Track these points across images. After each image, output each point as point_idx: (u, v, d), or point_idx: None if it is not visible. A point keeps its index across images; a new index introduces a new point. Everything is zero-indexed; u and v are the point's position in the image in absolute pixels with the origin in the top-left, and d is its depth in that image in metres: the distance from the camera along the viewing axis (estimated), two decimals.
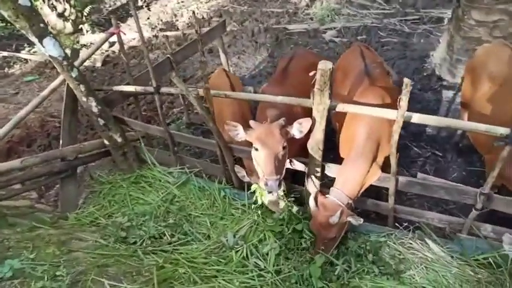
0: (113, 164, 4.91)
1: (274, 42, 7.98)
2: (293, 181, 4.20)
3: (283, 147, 3.12)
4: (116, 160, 4.75)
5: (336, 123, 3.79)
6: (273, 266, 3.36)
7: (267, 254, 3.42)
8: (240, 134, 3.23)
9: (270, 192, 3.18)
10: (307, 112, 3.72)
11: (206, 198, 4.21)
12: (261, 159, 3.14)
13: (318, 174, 3.43)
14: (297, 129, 3.12)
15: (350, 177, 3.18)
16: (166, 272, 3.23)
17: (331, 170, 3.46)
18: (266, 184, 3.06)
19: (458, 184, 3.24)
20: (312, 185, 3.46)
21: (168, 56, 5.03)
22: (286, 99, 3.25)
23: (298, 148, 3.62)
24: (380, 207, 3.56)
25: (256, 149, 3.16)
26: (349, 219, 3.10)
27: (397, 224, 3.56)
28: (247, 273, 3.35)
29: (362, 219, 3.05)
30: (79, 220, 4.18)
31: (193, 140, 4.34)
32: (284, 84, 3.82)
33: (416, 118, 2.76)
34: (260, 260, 3.43)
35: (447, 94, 5.49)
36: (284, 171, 3.14)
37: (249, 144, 3.68)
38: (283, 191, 3.33)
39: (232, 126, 3.21)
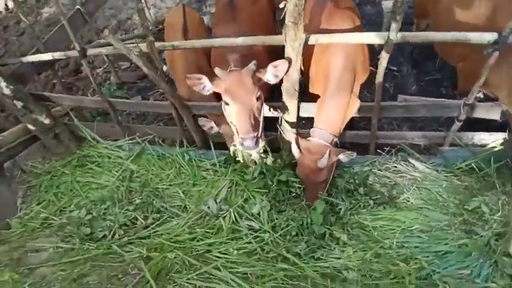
0: (45, 149, 4.15)
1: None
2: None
3: (258, 98, 2.72)
4: (47, 145, 4.01)
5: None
6: (268, 223, 3.13)
7: (258, 214, 3.15)
8: (206, 86, 2.76)
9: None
10: (270, 50, 3.33)
11: (170, 167, 3.75)
12: (234, 115, 2.73)
13: (294, 118, 3.12)
14: (272, 74, 2.72)
15: (331, 113, 2.90)
16: (156, 262, 2.85)
17: (305, 109, 3.16)
18: (242, 144, 2.70)
19: (440, 99, 3.12)
20: (289, 131, 3.15)
21: (78, 7, 4.13)
22: (250, 40, 2.77)
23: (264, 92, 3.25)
24: (360, 136, 3.39)
25: (227, 103, 2.73)
26: (340, 157, 2.88)
27: (378, 151, 3.45)
28: (242, 238, 3.09)
29: (355, 153, 2.84)
30: (25, 225, 3.52)
31: (141, 105, 3.72)
32: (235, 22, 3.28)
33: (411, 36, 2.50)
34: (253, 220, 3.17)
35: (387, 5, 5.28)
36: (262, 125, 2.78)
37: (211, 98, 3.22)
38: (264, 147, 2.98)
39: (196, 79, 2.71)
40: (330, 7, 3.02)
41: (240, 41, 2.79)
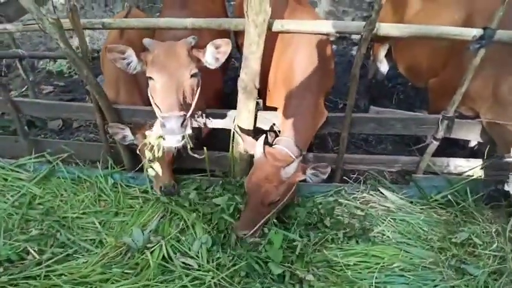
0: None
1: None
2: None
3: (193, 75, 2.16)
4: None
5: None
6: (211, 261, 2.38)
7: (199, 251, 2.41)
8: (132, 62, 2.19)
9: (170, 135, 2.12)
10: None
11: (87, 191, 2.92)
12: (158, 91, 2.13)
13: (251, 125, 2.56)
14: (212, 55, 2.22)
15: (298, 119, 2.40)
16: None
17: (263, 119, 2.64)
18: (164, 125, 2.06)
19: (417, 113, 2.77)
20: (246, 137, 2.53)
21: None
22: (203, 22, 2.28)
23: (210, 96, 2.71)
24: (325, 159, 2.87)
25: (152, 78, 2.15)
26: (308, 174, 2.32)
27: (344, 178, 2.96)
28: (174, 281, 2.29)
29: (329, 167, 2.29)
30: None
31: (57, 107, 2.92)
32: (187, 8, 2.80)
33: (387, 28, 2.15)
34: (190, 257, 2.40)
35: (336, 47, 5.24)
36: (193, 108, 2.18)
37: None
38: (190, 136, 2.29)
39: (118, 52, 2.14)
40: (292, 3, 2.68)
41: (190, 22, 2.29)
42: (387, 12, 3.27)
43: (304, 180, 2.41)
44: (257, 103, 3.14)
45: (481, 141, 2.73)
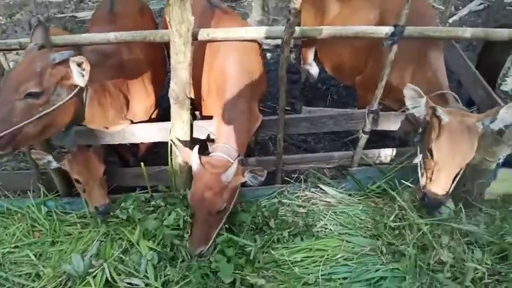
0: None
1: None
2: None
3: (30, 95, 1.99)
4: None
5: None
6: (158, 278, 2.32)
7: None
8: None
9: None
10: (152, 58, 2.85)
11: (18, 223, 2.73)
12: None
13: (187, 137, 2.55)
14: (78, 72, 2.08)
15: (233, 124, 2.43)
16: None
17: (200, 128, 2.65)
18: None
19: (345, 109, 2.91)
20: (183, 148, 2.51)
21: None
22: (128, 35, 2.26)
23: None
24: (264, 163, 2.93)
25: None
26: (246, 176, 2.34)
27: (286, 178, 3.03)
28: None
29: (265, 171, 2.33)
30: None
31: None
32: (114, 24, 2.74)
33: (307, 31, 2.26)
34: (134, 276, 2.33)
35: (271, 54, 5.39)
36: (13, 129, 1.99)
37: None
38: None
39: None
40: (219, 13, 2.73)
41: (113, 36, 2.25)
42: (309, 18, 3.43)
43: (245, 185, 2.43)
44: (194, 114, 3.17)
45: (405, 131, 2.94)
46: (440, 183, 2.35)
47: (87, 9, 7.44)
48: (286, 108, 4.20)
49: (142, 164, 2.69)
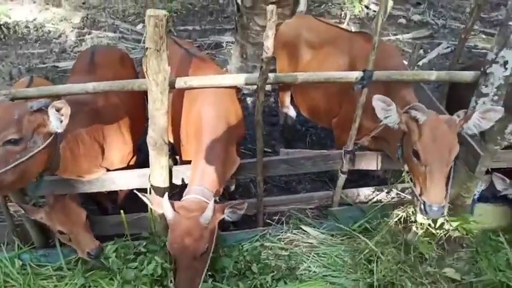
0: None
1: None
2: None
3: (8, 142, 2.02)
4: None
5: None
6: None
7: None
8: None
9: None
10: (130, 105, 2.90)
11: None
12: None
13: (166, 183, 2.55)
14: (56, 118, 2.10)
15: (208, 167, 2.44)
16: None
17: (180, 174, 2.66)
18: None
19: (323, 150, 2.97)
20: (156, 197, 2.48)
21: None
22: (106, 85, 2.31)
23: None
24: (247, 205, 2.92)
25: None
26: (226, 213, 2.32)
27: (267, 221, 3.02)
28: None
29: (245, 203, 2.33)
30: None
31: None
32: (94, 73, 2.80)
33: (280, 77, 2.37)
34: None
35: (251, 99, 5.52)
36: None
37: None
38: None
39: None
40: (196, 61, 2.83)
41: (92, 86, 2.30)
42: (284, 64, 3.59)
43: (223, 227, 2.41)
44: (175, 159, 3.19)
45: (384, 169, 3.01)
46: (436, 188, 2.25)
47: (68, 59, 7.55)
48: (268, 150, 4.29)
49: (121, 211, 2.65)
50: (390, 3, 6.29)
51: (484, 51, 6.05)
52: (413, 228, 2.80)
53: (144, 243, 2.73)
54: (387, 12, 6.41)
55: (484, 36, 6.67)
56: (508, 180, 2.74)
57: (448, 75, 2.60)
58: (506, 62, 2.35)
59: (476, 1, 2.88)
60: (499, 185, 2.75)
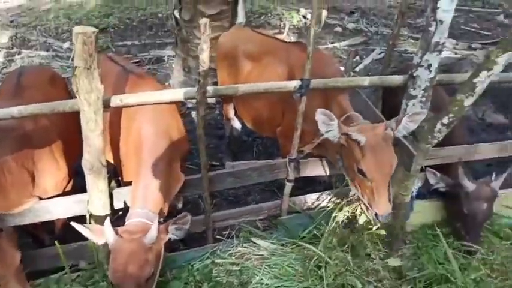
0: None
1: None
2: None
3: None
4: None
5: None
6: None
7: None
8: None
9: None
10: (62, 127, 2.73)
11: None
12: None
13: (107, 209, 2.42)
14: None
15: (150, 187, 2.35)
16: None
17: (123, 196, 2.54)
18: None
19: (268, 160, 2.97)
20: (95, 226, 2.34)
21: None
22: (33, 108, 2.16)
23: None
24: (193, 223, 2.83)
25: None
26: (171, 231, 2.24)
27: (218, 237, 2.96)
28: None
29: (189, 215, 2.25)
30: None
31: None
32: (20, 97, 2.61)
33: (219, 90, 2.35)
34: None
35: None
36: None
37: None
38: None
39: None
40: (134, 78, 2.75)
41: (17, 110, 2.14)
42: (224, 77, 3.59)
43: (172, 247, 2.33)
44: (118, 181, 3.04)
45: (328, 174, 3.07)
46: (384, 199, 2.42)
47: None
48: (215, 163, 4.24)
49: (56, 242, 2.47)
50: (324, 14, 6.55)
51: (413, 55, 6.45)
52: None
53: (84, 276, 2.56)
54: (322, 22, 6.69)
55: (412, 41, 7.11)
56: (438, 174, 2.91)
57: (379, 80, 2.72)
58: (430, 65, 2.51)
59: (400, 9, 3.06)
60: (431, 179, 2.93)
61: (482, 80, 2.13)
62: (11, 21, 8.14)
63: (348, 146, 2.47)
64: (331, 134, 2.45)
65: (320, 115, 2.39)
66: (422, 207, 3.03)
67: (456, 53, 6.83)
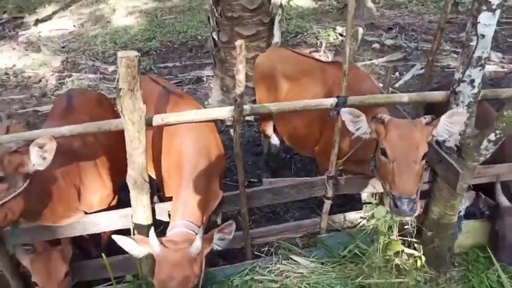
0: None
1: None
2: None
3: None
4: None
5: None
6: None
7: None
8: None
9: None
10: (108, 146, 2.87)
11: None
12: None
13: (150, 220, 2.50)
14: (38, 156, 2.12)
15: (190, 200, 2.40)
16: None
17: (163, 211, 2.61)
18: None
19: (305, 178, 2.97)
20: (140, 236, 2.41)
21: None
22: (81, 128, 2.30)
23: None
24: (234, 238, 2.86)
25: None
26: (215, 240, 2.26)
27: (256, 253, 2.96)
28: None
29: (233, 224, 2.26)
30: None
31: None
32: (70, 117, 2.78)
33: (255, 108, 2.40)
34: None
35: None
36: None
37: None
38: None
39: None
40: (174, 98, 2.85)
41: (67, 129, 2.29)
42: (263, 96, 3.65)
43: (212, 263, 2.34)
44: (160, 196, 3.14)
45: (367, 192, 3.01)
46: (404, 180, 2.22)
47: (49, 103, 7.53)
48: (253, 180, 4.28)
49: (103, 254, 2.57)
50: (361, 31, 6.52)
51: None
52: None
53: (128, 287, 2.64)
54: (359, 40, 6.64)
55: (455, 55, 6.90)
56: (483, 196, 2.78)
57: (419, 96, 2.67)
58: (473, 81, 2.43)
59: (439, 25, 3.00)
60: (481, 203, 2.80)
61: None
62: (63, 47, 8.73)
63: (377, 133, 2.38)
64: (361, 131, 2.38)
65: (346, 114, 2.34)
66: (472, 228, 2.88)
67: (503, 67, 6.55)
